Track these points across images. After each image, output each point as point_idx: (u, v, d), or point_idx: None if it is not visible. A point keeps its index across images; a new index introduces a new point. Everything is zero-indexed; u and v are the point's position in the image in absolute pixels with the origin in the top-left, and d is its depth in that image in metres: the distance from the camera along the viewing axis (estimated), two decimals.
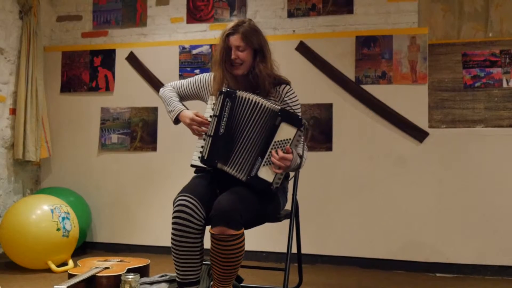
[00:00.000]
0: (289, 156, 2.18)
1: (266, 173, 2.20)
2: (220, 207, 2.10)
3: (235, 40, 2.35)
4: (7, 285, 2.97)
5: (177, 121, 2.48)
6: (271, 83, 2.40)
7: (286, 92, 2.42)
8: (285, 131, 2.20)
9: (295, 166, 2.27)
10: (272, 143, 2.21)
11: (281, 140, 2.20)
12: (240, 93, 2.28)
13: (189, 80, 2.59)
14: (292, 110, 2.38)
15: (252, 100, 2.26)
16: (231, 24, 2.39)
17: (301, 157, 2.30)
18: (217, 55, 2.40)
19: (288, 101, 2.41)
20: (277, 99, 2.41)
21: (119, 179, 4.15)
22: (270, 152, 2.20)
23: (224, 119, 2.27)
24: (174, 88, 2.60)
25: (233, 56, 2.34)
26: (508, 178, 3.44)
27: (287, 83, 2.47)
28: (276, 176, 2.21)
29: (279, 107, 2.23)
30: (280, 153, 2.18)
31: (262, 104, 2.25)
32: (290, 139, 2.21)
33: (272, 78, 2.41)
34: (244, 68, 2.37)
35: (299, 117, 2.27)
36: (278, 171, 2.19)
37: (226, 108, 2.26)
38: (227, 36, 2.37)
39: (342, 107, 3.73)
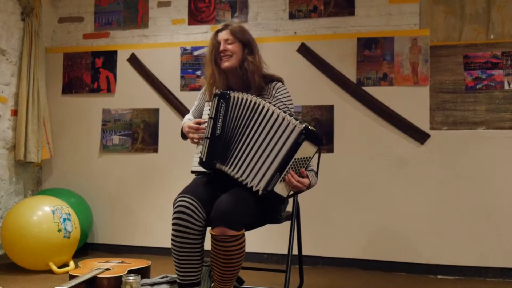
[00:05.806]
0: (305, 181, 2.19)
1: (281, 189, 2.18)
2: (221, 208, 2.10)
3: (223, 34, 2.44)
4: (8, 286, 2.97)
5: (183, 134, 2.50)
6: (261, 77, 2.43)
7: (277, 89, 2.44)
8: (306, 149, 2.17)
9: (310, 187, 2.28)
10: (292, 159, 2.16)
11: (301, 158, 2.18)
12: (234, 94, 2.27)
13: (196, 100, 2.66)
14: (284, 106, 2.38)
15: (248, 100, 2.23)
16: (220, 24, 2.51)
17: (316, 174, 2.32)
18: (208, 53, 2.48)
19: (280, 97, 2.42)
20: (269, 96, 2.42)
21: (120, 180, 4.15)
22: (289, 169, 2.17)
23: (220, 119, 2.26)
24: (191, 113, 2.67)
25: (222, 48, 2.41)
26: (509, 180, 3.44)
27: (279, 80, 2.49)
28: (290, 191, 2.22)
29: (303, 125, 2.13)
30: (296, 177, 2.17)
31: (272, 111, 2.18)
32: (310, 157, 2.20)
33: (261, 72, 2.44)
34: (233, 60, 2.41)
35: (320, 136, 2.20)
36: (293, 190, 2.20)
37: (221, 110, 2.25)
38: (216, 33, 2.47)
39: (343, 109, 3.73)
